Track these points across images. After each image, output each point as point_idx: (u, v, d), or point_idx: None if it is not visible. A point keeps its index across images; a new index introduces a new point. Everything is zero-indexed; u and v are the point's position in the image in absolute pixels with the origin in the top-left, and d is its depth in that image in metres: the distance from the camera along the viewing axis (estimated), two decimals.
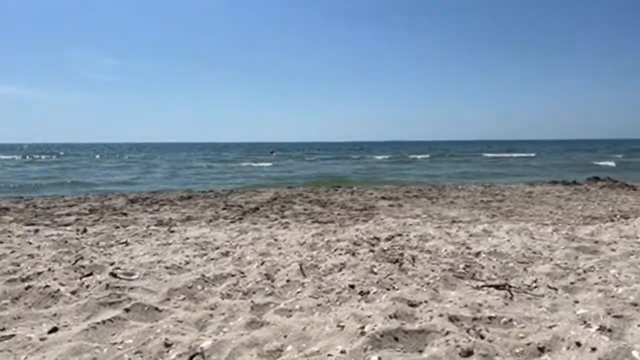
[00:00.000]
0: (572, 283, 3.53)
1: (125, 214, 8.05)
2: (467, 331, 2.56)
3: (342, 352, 2.32)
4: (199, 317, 2.96)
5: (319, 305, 3.12)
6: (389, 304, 2.95)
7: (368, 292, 3.31)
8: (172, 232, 6.08)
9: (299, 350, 2.44)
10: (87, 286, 3.50)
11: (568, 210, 8.16)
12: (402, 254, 4.38)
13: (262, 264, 4.17)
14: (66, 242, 5.23)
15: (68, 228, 6.43)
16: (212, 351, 2.42)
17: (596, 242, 4.89)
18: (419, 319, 2.77)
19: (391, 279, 3.61)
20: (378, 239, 5.26)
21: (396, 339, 2.45)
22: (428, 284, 3.51)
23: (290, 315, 2.97)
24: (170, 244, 5.19)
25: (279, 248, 4.90)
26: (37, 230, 6.10)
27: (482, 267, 3.99)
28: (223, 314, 3.03)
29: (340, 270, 3.92)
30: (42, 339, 2.59)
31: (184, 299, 3.33)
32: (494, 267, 4.01)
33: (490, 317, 2.77)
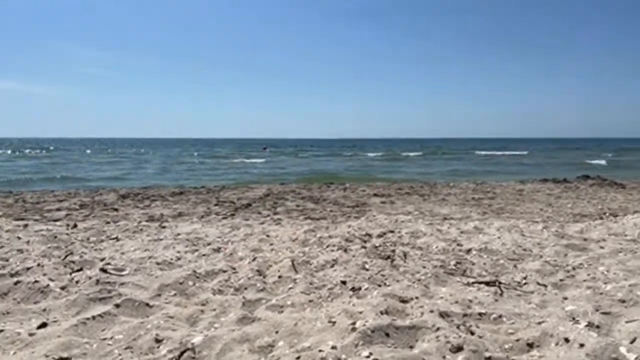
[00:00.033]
0: (561, 280, 3.56)
1: (116, 210, 7.99)
2: (458, 327, 2.58)
3: (334, 347, 2.32)
4: (190, 312, 2.95)
5: (310, 301, 3.12)
6: (380, 300, 2.96)
7: (359, 288, 3.32)
8: (164, 227, 6.05)
9: (290, 346, 2.44)
10: (77, 281, 3.48)
11: (558, 208, 8.23)
12: (393, 251, 4.40)
13: (254, 260, 4.17)
14: (56, 237, 5.18)
15: (58, 223, 6.37)
16: (203, 347, 2.41)
17: (585, 239, 4.94)
18: (410, 315, 2.78)
19: (383, 275, 3.62)
20: (370, 235, 5.27)
21: (387, 334, 2.46)
22: (419, 280, 3.52)
23: (282, 311, 2.97)
24: (161, 239, 5.16)
25: (271, 244, 4.90)
26: (26, 225, 6.04)
27: (473, 264, 4.02)
28: (214, 309, 3.03)
29: (332, 266, 3.92)
30: (31, 334, 2.57)
31: (175, 294, 3.31)
32: (484, 263, 4.03)
33: (480, 314, 2.79)
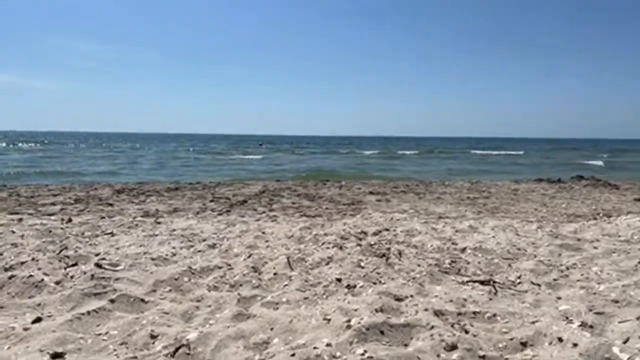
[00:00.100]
0: (555, 279, 3.59)
1: (111, 205, 7.97)
2: (452, 326, 2.59)
3: (328, 345, 2.33)
4: (185, 308, 2.95)
5: (305, 298, 3.13)
6: (375, 298, 2.97)
7: (355, 286, 3.33)
8: (159, 223, 6.03)
9: (285, 343, 2.45)
10: (72, 276, 3.46)
11: (552, 208, 8.28)
12: (389, 249, 4.41)
13: (250, 256, 4.16)
14: (50, 231, 5.16)
15: (52, 217, 6.35)
16: (198, 343, 2.41)
17: (579, 239, 4.98)
18: (405, 313, 2.79)
19: (378, 273, 3.63)
20: (365, 233, 5.28)
21: (382, 332, 2.47)
22: (414, 278, 3.54)
23: (277, 308, 2.97)
24: (156, 235, 5.15)
25: (267, 241, 4.90)
26: (20, 219, 6.01)
27: (468, 263, 4.04)
28: (209, 306, 3.03)
29: (327, 263, 3.93)
30: (25, 329, 2.56)
31: (170, 290, 3.31)
32: (479, 262, 4.05)
33: (474, 312, 2.81)
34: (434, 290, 3.27)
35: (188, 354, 2.33)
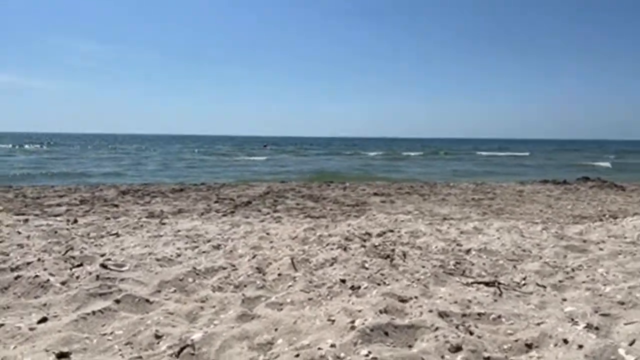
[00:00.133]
0: (560, 281, 3.57)
1: (116, 206, 8.00)
2: (457, 327, 2.58)
3: (332, 345, 2.33)
4: (190, 309, 2.96)
5: (309, 299, 3.13)
6: (380, 299, 2.96)
7: (359, 287, 3.33)
8: (164, 224, 6.06)
9: (289, 344, 2.45)
10: (77, 277, 3.48)
11: (558, 209, 8.24)
12: (393, 250, 4.40)
13: (254, 257, 4.17)
14: (56, 232, 5.19)
15: (58, 218, 6.38)
16: (203, 343, 2.42)
17: (585, 241, 4.95)
18: (409, 314, 2.79)
19: (382, 275, 3.63)
20: (370, 234, 5.28)
21: (386, 333, 2.47)
22: (418, 280, 3.53)
23: (281, 309, 2.98)
24: (161, 236, 5.17)
25: (271, 242, 4.91)
26: (26, 220, 6.05)
27: (472, 264, 4.02)
28: (214, 306, 3.03)
29: (331, 264, 3.93)
30: (31, 329, 2.58)
31: (174, 291, 3.32)
32: (484, 264, 4.04)
33: (479, 314, 2.80)
34: (438, 292, 3.26)
35: (192, 354, 2.34)
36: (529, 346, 2.40)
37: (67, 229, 5.44)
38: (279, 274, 3.67)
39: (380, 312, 2.74)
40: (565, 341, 2.37)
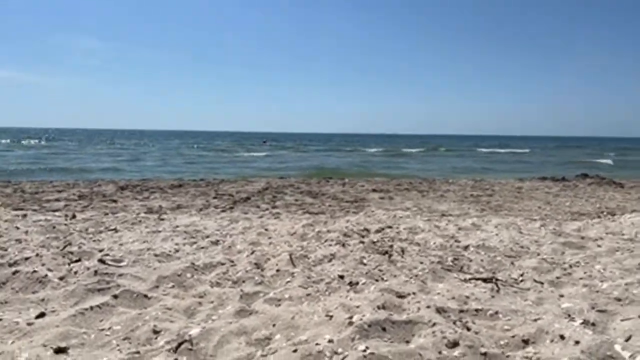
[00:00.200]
0: (557, 277, 3.58)
1: (114, 201, 8.00)
2: (454, 323, 2.59)
3: (330, 341, 2.33)
4: (188, 304, 2.96)
5: (308, 295, 3.14)
6: (378, 295, 2.97)
7: (357, 283, 3.33)
8: (162, 219, 6.06)
9: (287, 339, 2.45)
10: (76, 272, 3.48)
11: (556, 206, 8.25)
12: (391, 246, 4.41)
13: (252, 253, 4.18)
14: (54, 227, 5.19)
15: (57, 214, 6.38)
16: (201, 339, 2.42)
17: (582, 237, 4.96)
18: (407, 310, 2.79)
19: (380, 270, 3.64)
20: (368, 230, 5.28)
21: (384, 329, 2.47)
22: (416, 275, 3.54)
23: (279, 305, 2.98)
24: (160, 231, 5.17)
25: (269, 238, 4.91)
26: (25, 215, 6.04)
27: (470, 260, 4.03)
28: (212, 302, 3.04)
29: (330, 260, 3.94)
30: (29, 324, 2.58)
31: (173, 286, 3.32)
32: (481, 260, 4.05)
33: (476, 310, 2.80)
34: (436, 288, 3.27)
35: (190, 349, 2.34)
36: (526, 342, 2.41)
37: (66, 224, 5.44)
38: (278, 270, 3.68)
39: (378, 307, 2.75)
40: (562, 337, 2.37)
